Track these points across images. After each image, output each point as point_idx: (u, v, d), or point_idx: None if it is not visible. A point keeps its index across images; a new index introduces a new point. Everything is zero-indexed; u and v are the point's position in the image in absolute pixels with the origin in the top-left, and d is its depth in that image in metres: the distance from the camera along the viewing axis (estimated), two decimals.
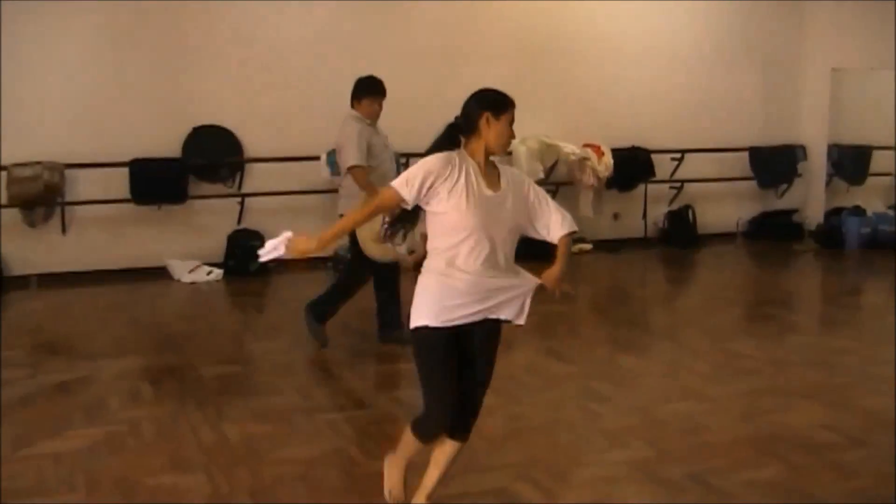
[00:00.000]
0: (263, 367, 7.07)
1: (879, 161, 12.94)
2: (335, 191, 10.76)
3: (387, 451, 5.05)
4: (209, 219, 10.64)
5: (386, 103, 10.99)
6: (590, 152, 11.70)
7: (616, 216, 12.39)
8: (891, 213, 12.83)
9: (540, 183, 10.99)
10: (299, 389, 6.46)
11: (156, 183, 10.16)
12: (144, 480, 4.90)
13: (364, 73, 11.00)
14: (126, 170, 10.12)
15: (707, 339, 7.90)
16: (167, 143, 10.33)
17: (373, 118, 7.46)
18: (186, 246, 10.53)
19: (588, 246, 11.88)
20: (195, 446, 5.40)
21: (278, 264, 10.51)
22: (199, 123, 10.49)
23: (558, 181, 11.77)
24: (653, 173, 12.34)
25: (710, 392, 6.41)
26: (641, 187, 12.38)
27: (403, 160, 11.04)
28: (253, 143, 10.73)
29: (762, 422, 5.85)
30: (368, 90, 7.53)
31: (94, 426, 5.72)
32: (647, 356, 7.41)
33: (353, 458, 5.25)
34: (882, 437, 5.57)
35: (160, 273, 10.28)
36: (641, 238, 12.51)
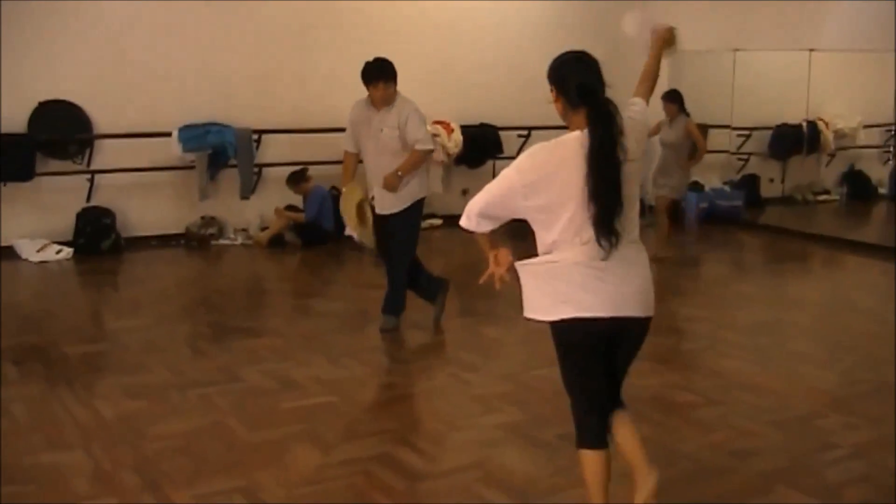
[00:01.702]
0: (129, 345, 6.98)
1: (715, 139, 13.45)
2: (187, 167, 10.76)
3: (267, 422, 5.18)
4: (57, 196, 10.36)
5: (233, 75, 11.01)
6: (440, 129, 11.87)
7: (465, 192, 12.54)
8: (727, 188, 13.44)
9: None
10: (168, 366, 6.43)
11: (0, 160, 9.83)
12: (22, 461, 4.83)
13: (221, 49, 11.01)
14: None
15: None
16: (11, 118, 9.99)
17: (375, 104, 7.04)
18: (34, 225, 10.24)
19: (438, 221, 12.07)
20: (70, 425, 5.34)
21: (128, 242, 10.43)
22: (44, 98, 10.20)
23: None
24: (501, 150, 12.59)
25: None
26: (490, 164, 12.61)
27: (256, 136, 11.11)
28: (102, 119, 10.49)
29: (623, 384, 6.11)
30: (361, 78, 7.03)
31: None
32: (508, 325, 7.59)
33: (233, 429, 5.28)
34: (736, 396, 5.93)
35: (7, 253, 9.98)
36: None
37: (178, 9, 10.77)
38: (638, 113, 4.00)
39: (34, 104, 10.16)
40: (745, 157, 14.07)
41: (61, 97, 10.28)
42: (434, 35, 12.31)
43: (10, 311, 8.01)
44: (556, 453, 4.96)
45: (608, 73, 3.81)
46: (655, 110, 10.27)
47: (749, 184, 13.91)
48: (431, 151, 7.40)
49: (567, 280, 3.68)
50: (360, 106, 7.16)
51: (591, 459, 3.88)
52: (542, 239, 3.75)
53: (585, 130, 3.62)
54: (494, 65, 12.65)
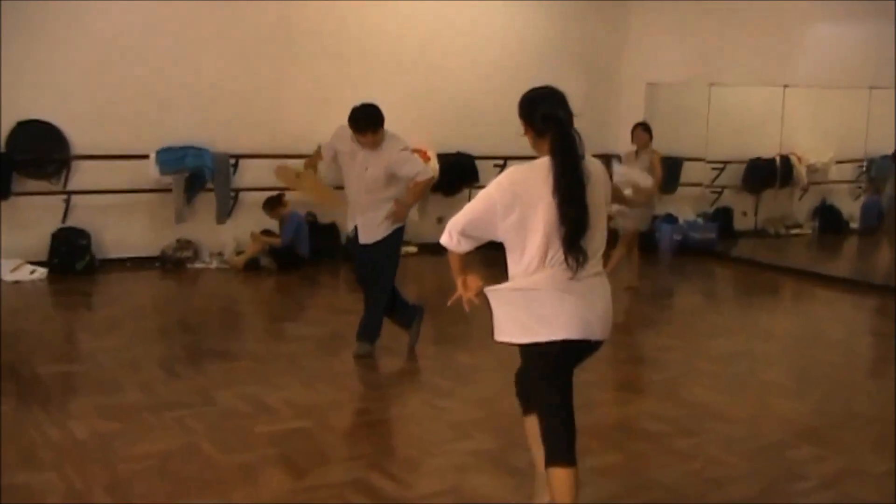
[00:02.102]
0: (103, 365, 6.95)
1: (690, 172, 13.64)
2: (164, 190, 10.77)
3: (240, 446, 5.19)
4: (33, 216, 10.33)
5: (211, 99, 11.06)
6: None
7: (440, 220, 12.58)
8: (700, 220, 13.56)
9: None
10: (142, 387, 6.42)
11: None
12: None
13: (200, 72, 11.05)
14: None
15: None
16: None
17: (364, 147, 6.95)
18: (9, 244, 10.19)
19: (413, 249, 12.11)
20: (44, 445, 5.32)
21: (102, 263, 10.43)
22: (23, 118, 10.20)
23: None
24: (477, 179, 12.66)
25: None
26: (465, 192, 12.68)
27: (233, 161, 11.14)
28: (80, 140, 10.49)
29: (597, 413, 6.17)
30: (349, 124, 6.92)
31: None
32: (482, 352, 7.62)
33: (206, 452, 5.28)
34: (709, 426, 5.98)
35: None
36: None
37: (157, 33, 10.81)
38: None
39: (12, 124, 10.17)
40: (718, 189, 14.21)
41: (39, 117, 10.28)
42: (412, 64, 12.40)
43: None
44: (528, 480, 4.95)
45: (587, 102, 3.90)
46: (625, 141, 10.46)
47: (722, 216, 14.06)
48: (433, 178, 7.48)
49: (539, 303, 3.87)
50: (345, 133, 7.02)
51: (561, 476, 3.96)
52: (516, 260, 3.93)
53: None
54: (472, 94, 12.74)
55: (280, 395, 6.33)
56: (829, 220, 14.89)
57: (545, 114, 3.89)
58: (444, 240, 4.01)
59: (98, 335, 8.00)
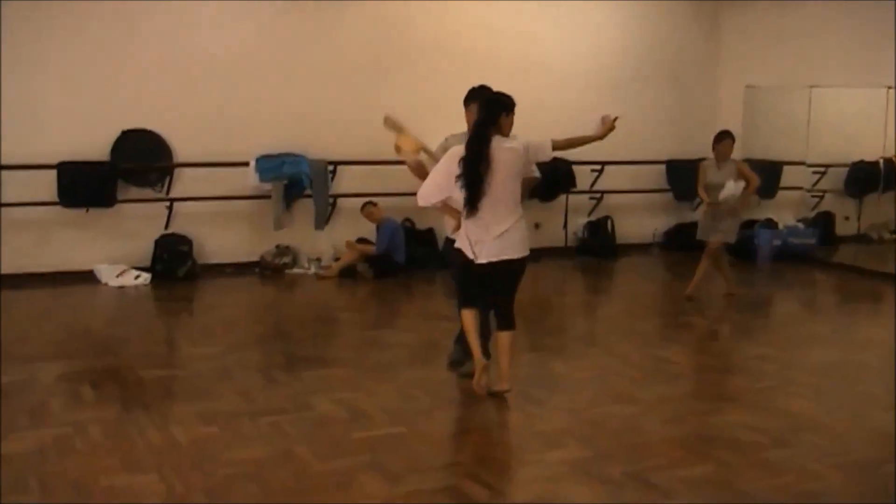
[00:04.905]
0: (202, 371, 7.12)
1: (789, 176, 13.41)
2: (263, 196, 10.97)
3: (336, 452, 5.27)
4: (137, 223, 10.65)
5: (310, 107, 11.22)
6: None
7: (537, 226, 12.58)
8: (800, 225, 13.32)
9: None
10: (240, 393, 6.55)
11: (84, 186, 10.13)
12: (98, 481, 4.96)
13: (295, 79, 11.22)
14: (54, 172, 10.09)
15: (632, 346, 8.18)
16: (96, 145, 10.33)
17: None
18: (114, 250, 10.52)
19: None
20: (145, 448, 5.48)
21: (203, 269, 10.65)
22: (128, 127, 10.50)
23: None
24: (573, 184, 12.65)
25: (640, 395, 6.66)
26: (562, 198, 12.69)
27: (331, 167, 11.29)
28: (182, 148, 10.77)
29: (691, 423, 6.13)
30: (466, 99, 6.98)
31: (39, 428, 5.75)
32: (576, 362, 7.64)
33: (302, 458, 5.37)
34: (804, 437, 5.88)
35: (87, 277, 10.26)
36: (562, 247, 12.81)
37: (256, 42, 11.05)
38: (532, 143, 6.58)
39: (118, 132, 10.46)
40: (820, 194, 13.94)
41: (143, 126, 10.56)
42: (507, 70, 12.37)
43: (88, 334, 8.26)
44: (620, 490, 4.98)
45: (683, 106, 3.94)
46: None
47: (823, 221, 13.77)
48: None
49: (474, 236, 6.23)
50: (454, 139, 6.92)
51: (468, 314, 6.42)
52: (461, 204, 6.17)
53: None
54: (571, 102, 12.70)
55: (375, 402, 6.40)
56: None
57: (477, 119, 6.27)
58: (421, 202, 6.32)
59: (198, 341, 8.19)
